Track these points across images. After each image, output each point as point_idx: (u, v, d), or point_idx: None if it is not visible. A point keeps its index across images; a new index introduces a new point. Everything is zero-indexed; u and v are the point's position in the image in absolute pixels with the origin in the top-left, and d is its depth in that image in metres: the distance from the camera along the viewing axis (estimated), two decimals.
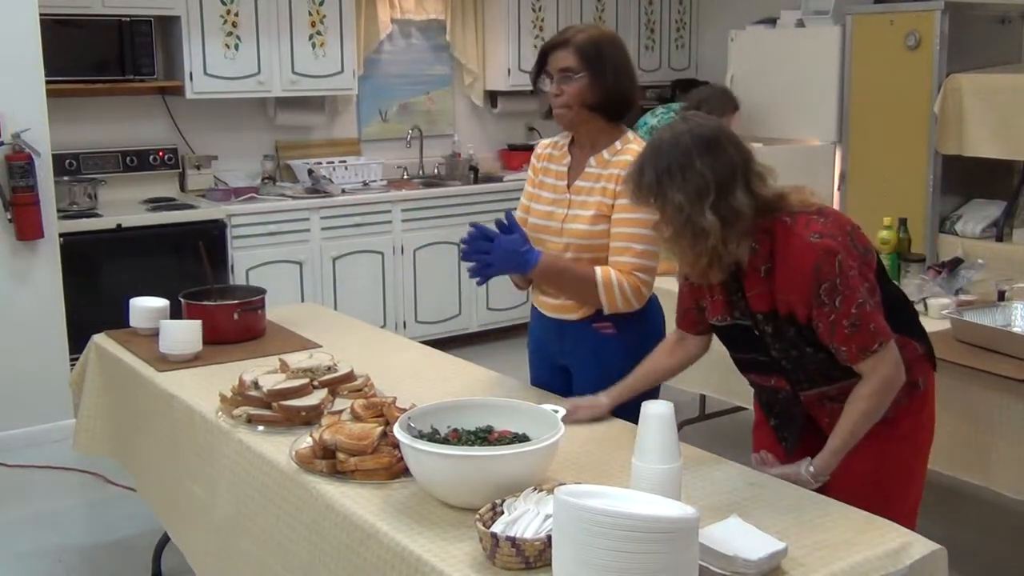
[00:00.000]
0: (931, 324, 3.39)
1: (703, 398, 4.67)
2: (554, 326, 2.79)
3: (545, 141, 2.87)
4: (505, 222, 2.61)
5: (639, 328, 2.72)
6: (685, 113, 2.31)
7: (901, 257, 3.93)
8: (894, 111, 5.70)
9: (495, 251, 2.55)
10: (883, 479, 2.35)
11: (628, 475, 1.94)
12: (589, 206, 2.65)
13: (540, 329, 2.87)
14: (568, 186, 2.72)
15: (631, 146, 2.65)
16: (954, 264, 3.79)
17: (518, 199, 2.90)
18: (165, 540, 3.44)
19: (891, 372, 2.23)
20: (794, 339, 2.27)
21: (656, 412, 1.88)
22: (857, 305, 2.18)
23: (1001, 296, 3.52)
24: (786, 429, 2.44)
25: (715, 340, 3.81)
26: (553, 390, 2.76)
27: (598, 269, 2.61)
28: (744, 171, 2.18)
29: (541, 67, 2.68)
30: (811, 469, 2.22)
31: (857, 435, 2.23)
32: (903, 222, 4.01)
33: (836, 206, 6.08)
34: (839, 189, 6.06)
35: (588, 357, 2.73)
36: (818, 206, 2.28)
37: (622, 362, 2.66)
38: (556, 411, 2.13)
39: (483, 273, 2.58)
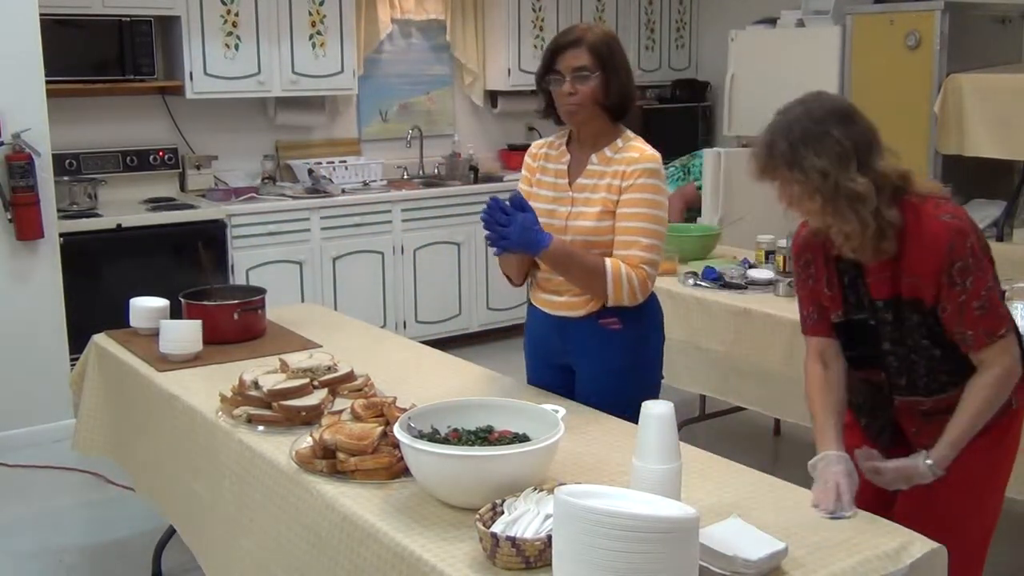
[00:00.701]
0: None
1: (703, 398, 4.67)
2: (556, 324, 2.79)
3: (539, 141, 2.87)
4: (517, 200, 2.57)
5: (643, 323, 2.74)
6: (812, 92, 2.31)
7: None
8: (894, 111, 5.69)
9: (512, 225, 2.51)
10: (957, 494, 2.27)
11: (628, 475, 1.94)
12: (594, 203, 2.66)
13: (540, 328, 2.86)
14: (570, 184, 2.72)
15: (634, 143, 2.68)
16: None
17: None
18: (165, 540, 3.44)
19: (1012, 363, 2.19)
20: (913, 328, 2.22)
21: (656, 412, 1.89)
22: (987, 288, 2.16)
23: (1001, 296, 3.51)
24: (879, 428, 2.40)
25: (713, 342, 3.84)
26: (553, 389, 2.76)
27: (608, 260, 2.61)
28: (878, 142, 2.17)
29: (549, 66, 2.68)
30: (928, 461, 2.17)
31: (976, 426, 2.18)
32: None
33: None
34: None
35: (593, 354, 2.73)
36: (942, 191, 2.25)
37: (626, 358, 2.69)
38: (556, 411, 2.13)
39: (500, 245, 2.55)
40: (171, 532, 3.33)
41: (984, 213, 5.47)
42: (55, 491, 4.26)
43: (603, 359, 2.72)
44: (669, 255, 4.25)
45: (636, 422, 1.95)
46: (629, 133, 2.72)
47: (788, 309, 3.65)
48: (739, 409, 4.24)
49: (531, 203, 2.74)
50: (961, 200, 5.61)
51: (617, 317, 2.69)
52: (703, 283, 4.01)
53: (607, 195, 2.64)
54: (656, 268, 2.66)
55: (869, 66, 5.80)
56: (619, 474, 2.14)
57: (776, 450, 4.72)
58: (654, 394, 2.73)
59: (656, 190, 2.63)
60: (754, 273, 4.01)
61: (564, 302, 2.76)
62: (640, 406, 2.33)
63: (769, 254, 4.19)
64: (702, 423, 4.71)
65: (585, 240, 2.66)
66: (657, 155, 2.66)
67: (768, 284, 3.92)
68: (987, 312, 2.16)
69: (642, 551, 1.55)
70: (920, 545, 1.90)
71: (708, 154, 5.44)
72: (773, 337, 3.62)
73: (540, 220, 2.71)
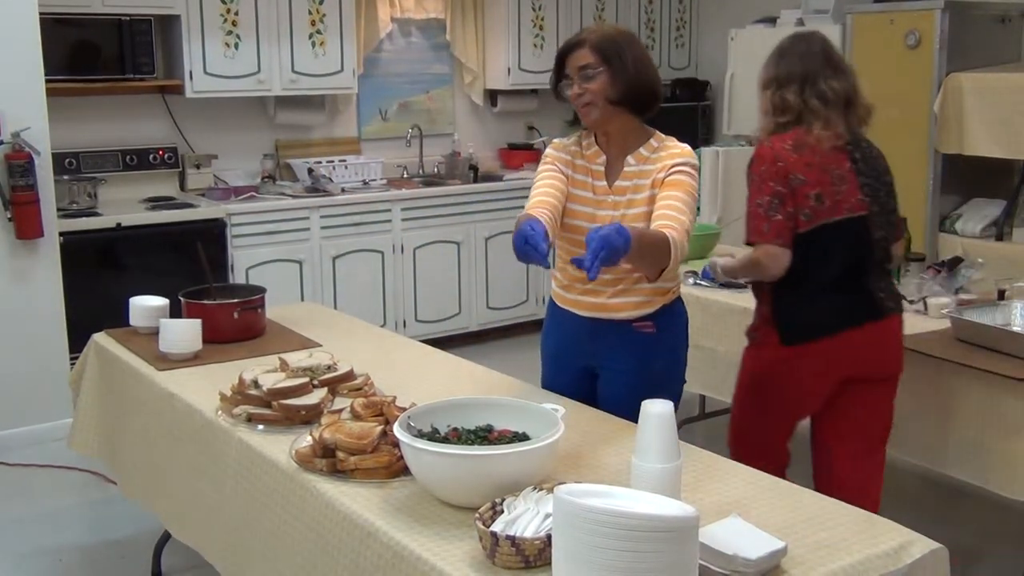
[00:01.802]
0: (931, 323, 3.40)
1: (703, 397, 4.67)
2: (587, 326, 2.73)
3: (558, 141, 2.80)
4: (533, 233, 2.28)
5: (674, 327, 2.75)
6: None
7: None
8: (894, 110, 5.68)
9: (597, 242, 2.21)
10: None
11: (628, 474, 1.94)
12: (640, 203, 2.62)
13: (566, 330, 2.79)
14: (610, 185, 2.67)
15: (669, 142, 2.67)
16: (954, 263, 3.79)
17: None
18: (164, 539, 3.44)
19: (760, 258, 2.88)
20: None
21: (656, 411, 1.89)
22: (754, 204, 2.87)
23: (1001, 295, 3.52)
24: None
25: (712, 341, 3.84)
26: (571, 393, 2.70)
27: (669, 232, 2.45)
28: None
29: (560, 72, 2.67)
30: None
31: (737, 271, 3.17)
32: (903, 221, 4.01)
33: None
34: None
35: (624, 357, 2.69)
36: (819, 140, 2.89)
37: (656, 362, 2.69)
38: (556, 410, 2.13)
39: (601, 265, 2.23)
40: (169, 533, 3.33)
41: (984, 212, 5.47)
42: (55, 490, 4.26)
43: (634, 362, 2.69)
44: None
45: (636, 421, 1.95)
46: (659, 134, 2.70)
47: None
48: None
49: (572, 205, 2.68)
50: (961, 199, 5.62)
51: (652, 320, 2.68)
52: (703, 282, 4.01)
53: (651, 191, 2.61)
54: (687, 242, 2.53)
55: (869, 65, 5.79)
56: (619, 473, 2.14)
57: None
58: (680, 395, 2.79)
59: (694, 178, 2.62)
60: None
61: (599, 304, 2.70)
62: (640, 406, 2.33)
63: None
64: (702, 422, 4.71)
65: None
66: (691, 150, 2.67)
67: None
68: (748, 220, 2.88)
69: (642, 550, 1.55)
70: (920, 545, 1.90)
71: (707, 153, 5.43)
72: None
73: (581, 223, 2.64)
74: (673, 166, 2.60)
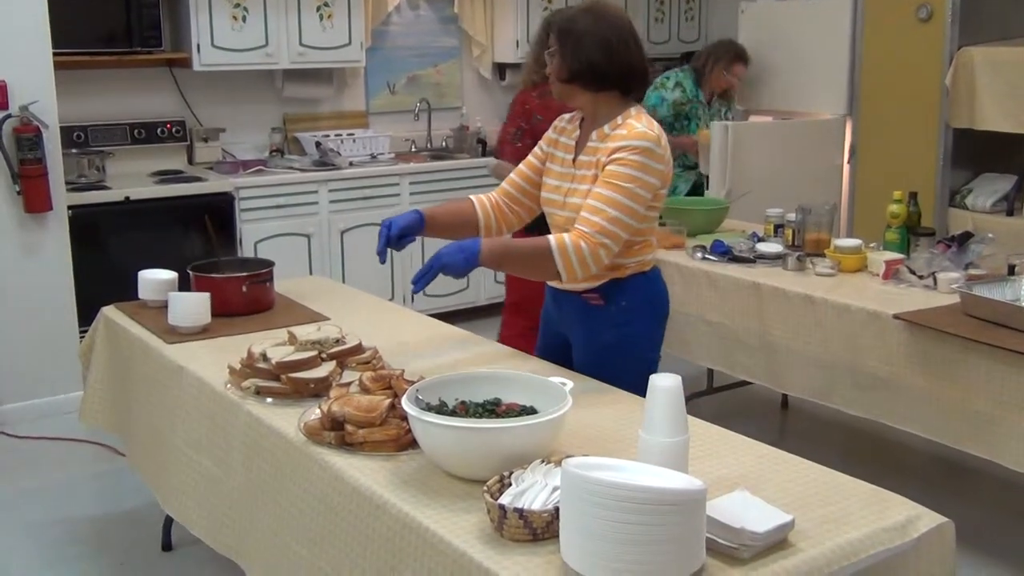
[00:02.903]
0: (940, 298, 3.40)
1: (711, 372, 4.67)
2: (553, 295, 2.87)
3: (565, 115, 2.87)
4: (388, 231, 2.70)
5: (628, 300, 2.72)
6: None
7: (911, 231, 3.92)
8: (905, 84, 5.66)
9: (440, 258, 2.51)
10: None
11: (636, 448, 1.94)
12: (587, 180, 2.65)
13: (553, 304, 2.91)
14: (574, 160, 2.73)
15: (630, 120, 2.62)
16: (964, 238, 3.77)
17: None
18: None
19: (494, 168, 3.73)
20: None
21: (664, 385, 1.88)
22: (504, 132, 4.08)
23: (1011, 270, 3.51)
24: None
25: (721, 316, 3.84)
26: (551, 357, 2.80)
27: (551, 236, 2.56)
28: None
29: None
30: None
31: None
32: (913, 196, 4.00)
33: (846, 180, 6.06)
34: (849, 163, 6.03)
35: (582, 327, 2.78)
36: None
37: (611, 333, 2.72)
38: (564, 384, 2.13)
39: (425, 281, 2.51)
40: None
41: (994, 187, 5.45)
42: (65, 463, 4.28)
43: (590, 333, 2.76)
44: (677, 229, 4.25)
45: (644, 395, 1.95)
46: (632, 110, 2.67)
47: (797, 283, 3.65)
48: (747, 383, 4.24)
49: (545, 178, 2.79)
50: (971, 174, 5.60)
51: (598, 293, 2.71)
52: (712, 257, 4.00)
53: (596, 171, 2.62)
54: (617, 242, 2.55)
55: (880, 38, 5.76)
56: (626, 447, 2.14)
57: (783, 424, 4.72)
58: (649, 370, 2.71)
59: (640, 167, 2.54)
60: (763, 247, 4.00)
61: None
62: (632, 382, 2.48)
63: (778, 228, 4.18)
64: (710, 396, 4.72)
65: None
66: (650, 132, 2.58)
67: (777, 258, 3.91)
68: (497, 144, 3.82)
69: (649, 523, 1.56)
70: (928, 519, 1.91)
71: (716, 127, 5.41)
72: (781, 311, 3.62)
73: (548, 195, 2.76)
74: (615, 151, 2.57)
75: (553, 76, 2.70)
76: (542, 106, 3.95)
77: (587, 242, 2.52)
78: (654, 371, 2.67)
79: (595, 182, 2.59)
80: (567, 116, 2.84)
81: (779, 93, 6.21)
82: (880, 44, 5.76)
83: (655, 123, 2.64)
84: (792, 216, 4.10)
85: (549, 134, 2.86)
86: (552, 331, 2.93)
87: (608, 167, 2.57)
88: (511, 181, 2.90)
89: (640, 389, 2.46)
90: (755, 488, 1.94)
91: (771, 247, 4.00)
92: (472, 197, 2.90)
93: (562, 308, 2.84)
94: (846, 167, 6.04)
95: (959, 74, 5.33)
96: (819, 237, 3.97)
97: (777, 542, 1.76)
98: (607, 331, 2.73)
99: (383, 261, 2.68)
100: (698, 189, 5.58)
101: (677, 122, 5.51)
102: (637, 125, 2.60)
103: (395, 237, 2.70)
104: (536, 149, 2.88)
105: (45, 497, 3.96)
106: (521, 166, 2.90)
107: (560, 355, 2.83)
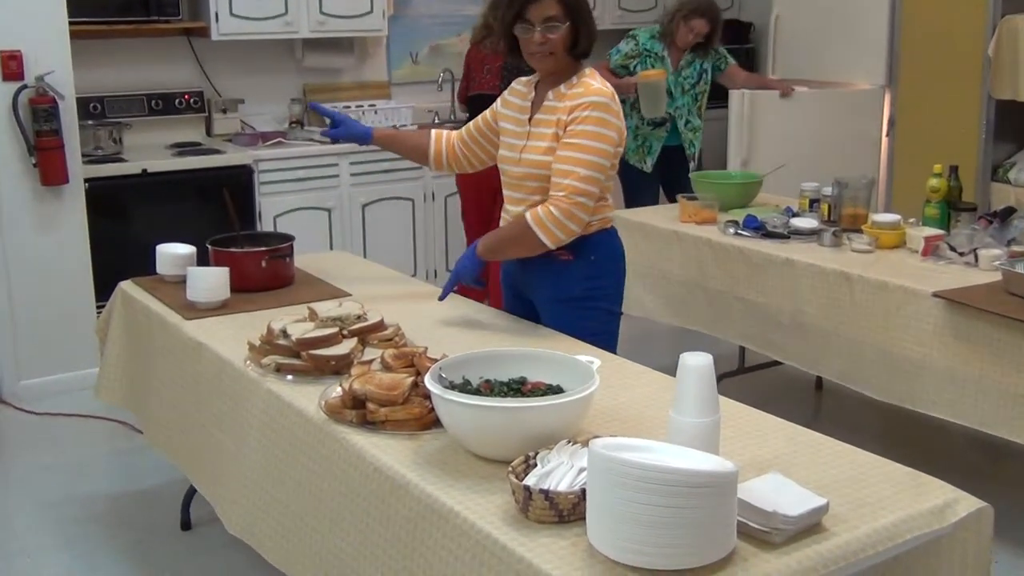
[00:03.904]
0: (981, 276, 3.37)
1: (742, 350, 4.66)
2: (516, 258, 3.00)
3: (522, 79, 3.03)
4: (326, 120, 3.22)
5: (595, 255, 2.92)
6: None
7: (951, 206, 3.89)
8: (946, 54, 5.59)
9: (451, 276, 2.94)
10: None
11: (664, 429, 1.94)
12: (545, 137, 2.83)
13: (508, 261, 3.08)
14: (529, 119, 2.91)
15: (586, 79, 2.83)
16: (1006, 213, 3.73)
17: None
18: (194, 489, 3.48)
19: None
20: None
21: (695, 364, 1.88)
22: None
23: None
24: None
25: (753, 293, 3.82)
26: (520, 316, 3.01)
27: (527, 212, 2.80)
28: None
29: (519, 14, 2.81)
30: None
31: None
32: (954, 170, 3.96)
33: (884, 153, 6.01)
34: (887, 135, 5.98)
35: (547, 284, 2.95)
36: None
37: (578, 288, 2.91)
38: (591, 362, 2.13)
39: (446, 292, 2.98)
40: None
41: None
42: (81, 440, 4.32)
43: (557, 289, 2.93)
44: (708, 203, 4.22)
45: (674, 374, 1.94)
46: (586, 69, 2.88)
47: (833, 259, 3.62)
48: (778, 364, 4.22)
49: (501, 137, 3.01)
50: (1014, 147, 5.53)
51: (567, 249, 2.85)
52: (744, 232, 3.98)
53: (556, 129, 2.80)
54: (591, 199, 2.77)
55: (921, 7, 5.69)
56: (656, 427, 2.14)
57: (818, 405, 4.71)
58: (613, 326, 3.01)
59: (599, 122, 2.75)
60: (797, 222, 3.98)
61: None
62: (598, 333, 2.79)
63: (813, 202, 4.15)
64: (742, 376, 4.70)
65: (537, 173, 2.84)
66: (605, 90, 2.80)
67: (812, 233, 3.88)
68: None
69: (679, 505, 1.55)
70: (966, 504, 1.89)
71: (733, 95, 5.36)
72: (816, 289, 3.60)
73: (503, 152, 2.99)
74: (575, 108, 2.77)
75: (556, 47, 2.80)
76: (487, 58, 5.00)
77: (559, 207, 2.74)
78: (617, 326, 3.02)
79: (555, 140, 2.80)
80: (523, 80, 3.02)
81: (815, 62, 6.15)
82: (921, 12, 5.69)
83: (607, 83, 2.85)
84: (828, 190, 4.07)
85: (506, 96, 3.04)
86: (514, 293, 3.12)
87: (569, 128, 2.77)
88: (467, 128, 3.16)
89: (605, 342, 2.81)
90: (788, 470, 1.94)
91: (806, 222, 3.97)
92: (435, 131, 3.22)
93: (527, 268, 2.98)
94: (884, 140, 5.98)
95: (1002, 43, 5.26)
96: (856, 212, 3.94)
97: (810, 526, 1.76)
98: (575, 284, 2.91)
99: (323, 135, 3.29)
100: (677, 151, 5.49)
101: (627, 73, 5.45)
102: (593, 83, 2.81)
103: (339, 128, 3.23)
104: (487, 112, 3.09)
105: (61, 474, 4.00)
106: (478, 119, 3.13)
107: (524, 314, 3.02)
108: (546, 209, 2.75)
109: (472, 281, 2.91)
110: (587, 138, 2.75)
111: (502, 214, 3.03)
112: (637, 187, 5.50)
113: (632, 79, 5.33)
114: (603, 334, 2.91)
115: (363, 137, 3.21)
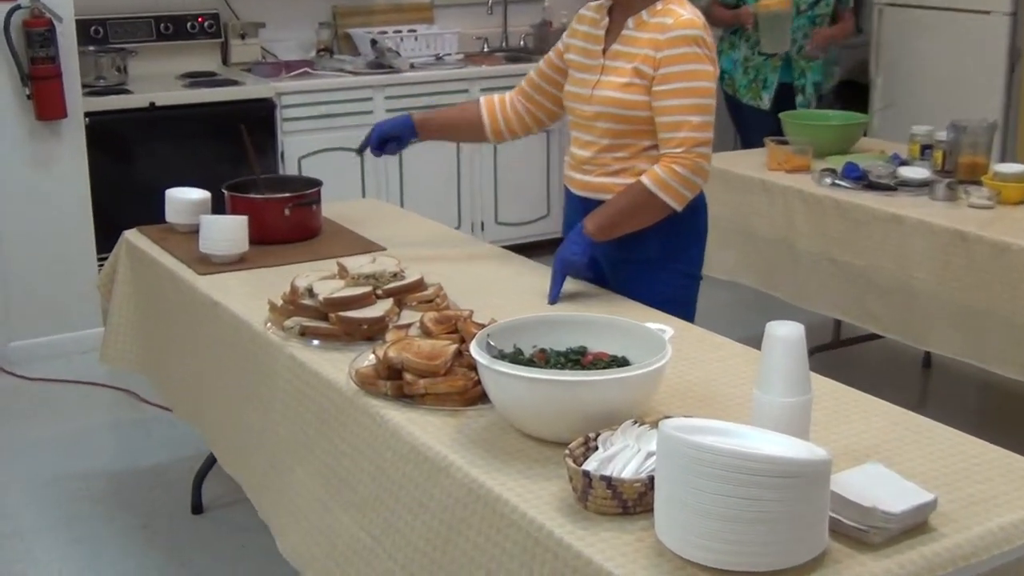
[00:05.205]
0: None
1: (837, 323, 4.62)
2: (583, 207, 2.92)
3: (590, 3, 2.98)
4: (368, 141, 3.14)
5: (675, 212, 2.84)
6: None
7: None
8: None
9: (558, 262, 2.78)
10: None
11: (747, 409, 1.93)
12: (624, 72, 2.79)
13: (571, 211, 3.04)
14: (604, 51, 2.86)
15: (673, 7, 2.77)
16: None
17: None
18: (207, 468, 3.53)
19: None
20: None
21: (783, 335, 1.86)
22: None
23: None
24: None
25: (850, 254, 3.79)
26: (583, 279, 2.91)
27: (643, 178, 2.75)
28: None
29: None
30: None
31: None
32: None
33: (1002, 92, 5.89)
34: (1012, 70, 5.87)
35: (618, 244, 2.85)
36: None
37: (657, 247, 2.87)
38: (663, 331, 2.12)
39: (556, 288, 2.78)
40: (214, 459, 3.41)
41: None
42: (81, 410, 4.39)
43: (629, 249, 2.87)
44: (802, 149, 4.18)
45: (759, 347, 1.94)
46: None
47: (946, 215, 3.58)
48: (875, 337, 4.19)
49: (571, 71, 2.94)
50: None
51: None
52: (843, 182, 3.94)
53: (641, 65, 2.75)
54: (710, 147, 2.77)
55: None
56: (736, 407, 2.13)
57: (926, 385, 4.68)
58: (692, 292, 2.98)
59: (697, 59, 2.73)
60: (906, 171, 3.93)
61: (587, 182, 2.92)
62: (674, 303, 2.72)
63: (925, 149, 4.10)
64: (837, 350, 4.67)
65: (612, 113, 2.80)
66: (696, 19, 2.75)
67: (923, 185, 3.84)
68: None
69: (762, 498, 1.55)
70: None
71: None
72: (926, 250, 3.56)
73: (571, 88, 2.93)
74: (666, 44, 2.72)
75: None
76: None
77: (681, 163, 2.72)
78: (696, 292, 2.98)
79: (636, 76, 2.75)
80: (592, 4, 2.96)
81: None
82: None
83: (696, 8, 2.80)
84: (942, 135, 4.03)
85: (573, 25, 3.00)
86: None
87: (662, 70, 2.72)
88: (528, 79, 3.12)
89: (681, 310, 2.76)
90: (890, 460, 1.93)
91: (916, 172, 3.93)
92: (482, 98, 3.17)
93: None
94: (1007, 75, 5.87)
95: None
96: (975, 161, 3.89)
97: (915, 525, 1.75)
98: (652, 243, 2.86)
99: (358, 154, 3.30)
100: (788, 90, 5.43)
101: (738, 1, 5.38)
102: (681, 11, 2.76)
103: (375, 142, 3.16)
104: (558, 44, 3.05)
105: (58, 448, 4.07)
106: (540, 62, 3.10)
107: (590, 281, 2.93)
108: (667, 168, 2.72)
109: (584, 270, 2.83)
110: (690, 79, 2.71)
111: (566, 158, 3.02)
112: (753, 128, 5.40)
113: (748, 8, 5.28)
114: (680, 301, 2.89)
115: (405, 128, 3.17)
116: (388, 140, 3.16)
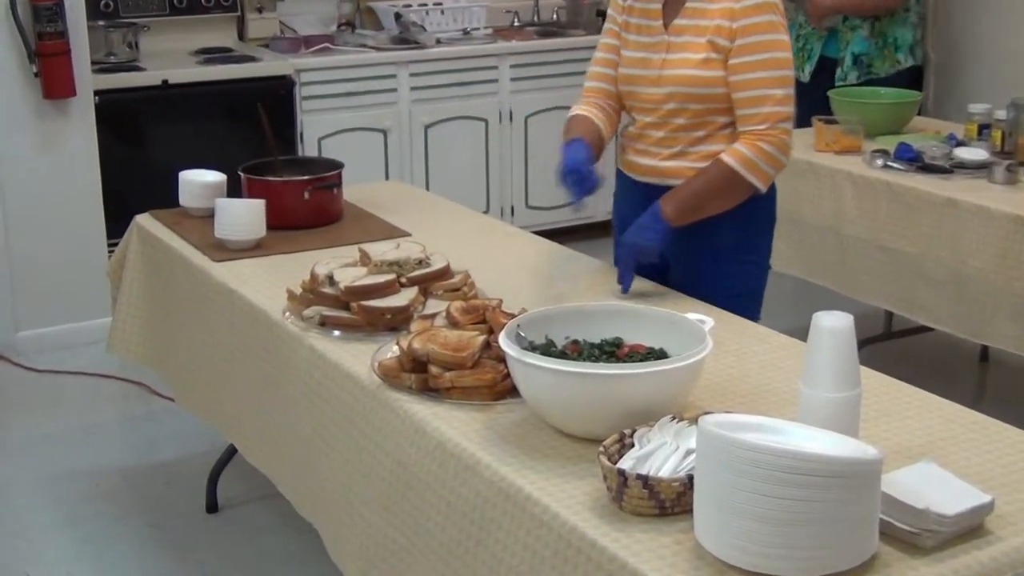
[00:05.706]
0: None
1: (889, 314, 4.60)
2: (642, 193, 2.87)
3: None
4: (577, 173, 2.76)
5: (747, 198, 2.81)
6: None
7: None
8: None
9: (629, 248, 2.72)
10: None
11: (793, 405, 1.93)
12: (697, 47, 2.74)
13: (628, 199, 2.98)
14: (666, 26, 2.80)
15: None
16: None
17: None
18: (222, 464, 3.54)
19: None
20: None
21: (831, 326, 1.86)
22: None
23: None
24: None
25: (902, 241, 3.77)
26: (640, 273, 2.82)
27: (726, 157, 2.71)
28: None
29: None
30: None
31: None
32: None
33: None
34: None
35: (686, 234, 2.76)
36: None
37: (728, 236, 2.83)
38: (703, 322, 2.12)
39: (627, 276, 2.73)
40: (230, 454, 3.44)
41: None
42: (90, 403, 4.41)
43: (700, 239, 2.80)
44: (852, 128, 4.16)
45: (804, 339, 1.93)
46: None
47: (1006, 200, 3.56)
48: (927, 329, 4.17)
49: (624, 51, 2.87)
50: None
51: None
52: (895, 164, 3.92)
53: (714, 37, 2.72)
54: (792, 122, 2.76)
55: None
56: (782, 403, 2.13)
57: (982, 380, 4.65)
58: (760, 286, 2.94)
59: (774, 27, 2.71)
60: (963, 153, 3.92)
61: (652, 167, 2.87)
62: (742, 298, 2.69)
63: (983, 128, 4.08)
64: (888, 343, 4.65)
65: (687, 92, 2.75)
66: None
67: (980, 167, 3.82)
68: None
69: (808, 499, 1.55)
70: None
71: None
72: (983, 237, 3.54)
73: (632, 71, 2.87)
74: (740, 13, 2.69)
75: None
76: None
77: (768, 140, 2.70)
78: (764, 285, 2.92)
79: (712, 50, 2.71)
80: None
81: None
82: None
83: None
84: (1002, 113, 4.00)
85: (620, 1, 2.92)
86: None
87: (739, 41, 2.69)
88: (596, 78, 2.99)
89: (749, 306, 2.74)
90: (944, 460, 1.92)
91: (973, 153, 3.91)
92: (579, 110, 2.98)
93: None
94: None
95: None
96: None
97: (971, 528, 1.74)
98: (727, 233, 2.82)
99: (575, 207, 2.80)
100: (831, 64, 5.38)
101: None
102: None
103: (576, 179, 2.77)
104: (608, 25, 2.96)
105: (65, 443, 4.09)
106: (601, 53, 2.98)
107: (647, 268, 2.83)
108: (752, 146, 2.70)
109: (656, 258, 2.75)
110: (770, 50, 2.70)
111: (621, 141, 2.98)
112: (798, 102, 5.33)
113: None
114: (748, 296, 2.87)
115: (587, 154, 2.84)
116: (577, 172, 2.80)
